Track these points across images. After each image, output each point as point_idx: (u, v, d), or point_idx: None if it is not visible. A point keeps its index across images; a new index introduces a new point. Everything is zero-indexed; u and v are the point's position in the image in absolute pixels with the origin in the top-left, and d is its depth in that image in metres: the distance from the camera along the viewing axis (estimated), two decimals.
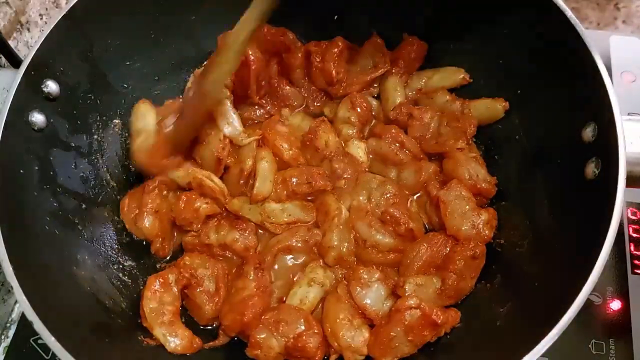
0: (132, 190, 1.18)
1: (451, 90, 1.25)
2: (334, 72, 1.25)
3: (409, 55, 1.27)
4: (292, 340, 0.96)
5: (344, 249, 1.07)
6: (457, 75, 1.24)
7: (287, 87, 1.30)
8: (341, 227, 1.08)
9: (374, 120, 1.28)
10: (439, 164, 1.18)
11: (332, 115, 1.28)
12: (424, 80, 1.27)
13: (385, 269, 1.07)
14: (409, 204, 1.16)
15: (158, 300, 1.03)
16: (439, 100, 1.23)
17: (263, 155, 1.16)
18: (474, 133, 1.16)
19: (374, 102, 1.29)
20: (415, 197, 1.17)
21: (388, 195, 1.12)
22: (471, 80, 1.24)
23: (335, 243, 1.07)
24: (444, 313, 0.97)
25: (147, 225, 1.11)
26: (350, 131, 1.23)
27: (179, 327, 1.02)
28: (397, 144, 1.17)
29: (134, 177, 1.22)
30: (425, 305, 0.96)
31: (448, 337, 0.99)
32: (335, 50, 1.25)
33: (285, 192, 1.14)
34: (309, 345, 0.96)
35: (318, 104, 1.32)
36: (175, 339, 1.00)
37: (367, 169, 1.19)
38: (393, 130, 1.17)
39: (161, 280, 1.04)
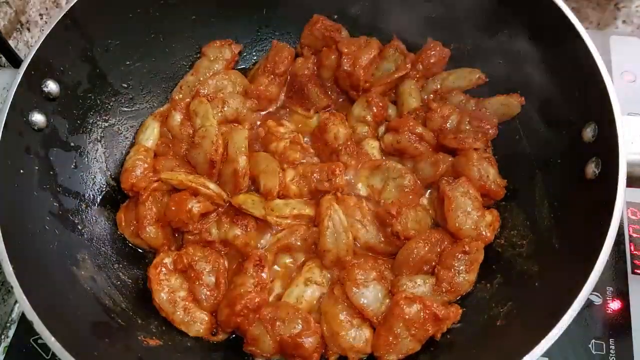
0: (125, 203, 1.17)
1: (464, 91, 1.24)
2: (362, 80, 1.23)
3: (429, 59, 1.25)
4: (288, 339, 0.97)
5: (341, 251, 1.07)
6: (473, 75, 1.23)
7: (316, 89, 1.28)
8: (332, 229, 1.06)
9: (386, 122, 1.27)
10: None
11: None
12: (439, 82, 1.26)
13: (380, 269, 1.06)
14: (421, 200, 1.15)
15: (167, 289, 1.04)
16: (454, 100, 1.22)
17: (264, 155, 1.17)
18: (496, 135, 1.15)
19: (391, 108, 1.28)
20: (428, 192, 1.17)
21: (404, 186, 1.12)
22: (487, 80, 1.22)
23: (330, 246, 1.06)
24: (445, 308, 0.97)
25: (151, 236, 1.11)
26: (365, 130, 1.22)
27: (195, 310, 1.04)
28: (415, 136, 1.16)
29: None
30: (424, 298, 0.96)
31: (448, 336, 0.99)
32: (367, 57, 1.23)
33: (306, 188, 1.13)
34: (306, 345, 0.96)
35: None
36: (196, 323, 1.03)
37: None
38: (411, 123, 1.16)
39: (162, 267, 1.05)
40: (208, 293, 1.06)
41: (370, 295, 1.01)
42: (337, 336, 0.99)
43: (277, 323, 0.98)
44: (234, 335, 1.06)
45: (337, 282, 1.06)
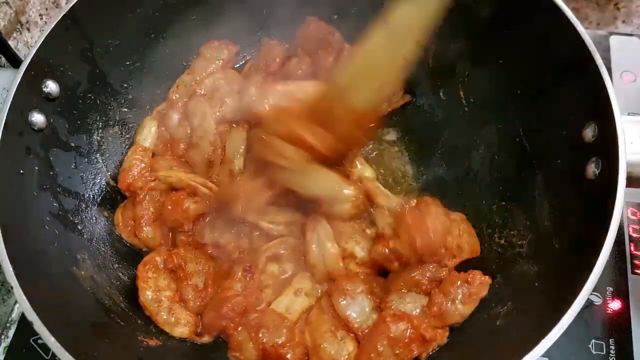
0: (122, 203, 1.17)
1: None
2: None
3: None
4: (271, 348, 0.95)
5: (329, 264, 1.04)
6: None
7: None
8: (317, 241, 1.04)
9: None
10: None
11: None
12: None
13: (371, 284, 1.02)
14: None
15: (153, 288, 1.03)
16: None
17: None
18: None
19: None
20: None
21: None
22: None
23: (316, 261, 1.04)
24: (432, 329, 0.94)
25: (149, 237, 1.10)
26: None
27: (180, 311, 1.03)
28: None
29: None
30: (413, 317, 0.93)
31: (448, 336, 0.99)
32: None
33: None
34: (289, 356, 0.94)
35: None
36: (179, 325, 1.02)
37: None
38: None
39: (150, 266, 1.05)
40: (195, 295, 1.05)
41: (357, 308, 0.99)
42: (318, 348, 0.96)
43: (262, 330, 0.96)
44: None
45: (325, 294, 1.04)
